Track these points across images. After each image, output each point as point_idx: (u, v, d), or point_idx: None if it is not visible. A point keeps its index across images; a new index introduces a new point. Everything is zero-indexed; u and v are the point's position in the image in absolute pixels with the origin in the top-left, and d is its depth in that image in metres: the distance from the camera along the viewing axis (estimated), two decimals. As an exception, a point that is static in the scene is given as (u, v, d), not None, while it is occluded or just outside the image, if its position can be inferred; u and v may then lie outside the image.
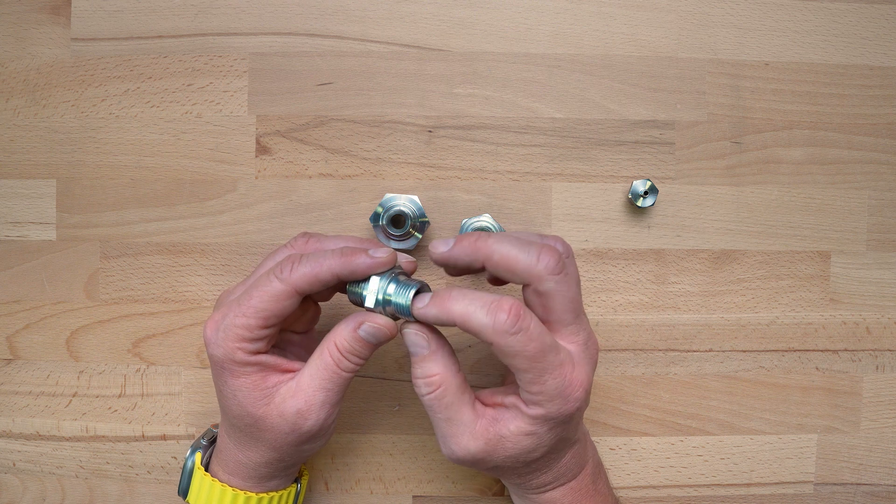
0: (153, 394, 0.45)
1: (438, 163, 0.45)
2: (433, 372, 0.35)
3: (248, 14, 0.45)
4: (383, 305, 0.35)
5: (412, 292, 0.35)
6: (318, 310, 0.40)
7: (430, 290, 0.36)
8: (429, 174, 0.45)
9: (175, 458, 0.45)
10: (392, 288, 0.35)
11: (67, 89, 0.45)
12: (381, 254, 0.35)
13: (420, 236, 0.43)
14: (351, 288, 0.36)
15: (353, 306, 0.40)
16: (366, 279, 0.36)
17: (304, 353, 0.40)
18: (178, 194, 0.45)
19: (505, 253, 0.34)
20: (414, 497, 0.46)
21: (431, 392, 0.35)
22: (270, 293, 0.34)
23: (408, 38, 0.45)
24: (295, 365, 0.37)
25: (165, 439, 0.45)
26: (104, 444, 0.45)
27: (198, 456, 0.40)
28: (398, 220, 0.43)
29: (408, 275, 0.37)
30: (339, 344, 0.35)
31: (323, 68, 0.45)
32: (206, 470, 0.40)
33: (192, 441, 0.45)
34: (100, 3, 0.45)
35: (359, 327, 0.35)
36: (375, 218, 0.43)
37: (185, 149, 0.45)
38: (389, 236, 0.43)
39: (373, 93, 0.45)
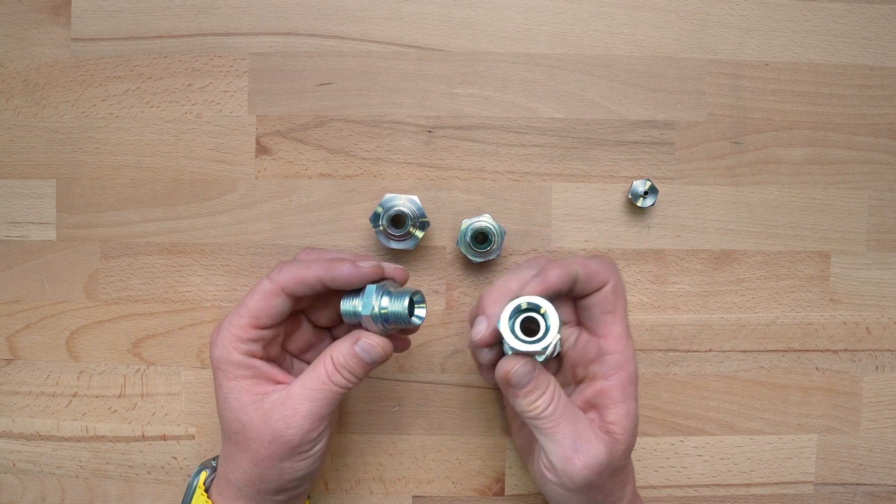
0: (153, 394, 0.45)
1: (438, 163, 0.45)
2: (546, 384, 0.35)
3: (248, 14, 0.45)
4: (382, 321, 0.36)
5: (406, 300, 0.36)
6: (317, 335, 0.40)
7: (423, 299, 0.37)
8: (428, 174, 0.45)
9: (175, 458, 0.45)
10: (385, 301, 0.36)
11: (67, 89, 0.45)
12: (366, 265, 0.36)
13: (420, 236, 0.43)
14: (344, 307, 0.36)
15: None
16: (357, 295, 0.36)
17: None
18: (178, 194, 0.45)
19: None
20: (414, 497, 0.46)
21: (552, 402, 0.35)
22: (259, 291, 0.36)
23: (408, 38, 0.45)
24: (289, 378, 0.37)
25: (165, 439, 0.45)
26: (104, 444, 0.45)
27: (203, 475, 0.39)
28: (398, 220, 0.43)
29: (399, 285, 0.38)
30: (334, 357, 0.36)
31: (323, 68, 0.45)
32: (208, 491, 0.39)
33: (200, 457, 0.45)
34: (100, 3, 0.45)
35: (356, 342, 0.36)
36: (375, 218, 0.43)
37: (185, 149, 0.45)
38: (389, 236, 0.43)
39: (373, 93, 0.45)
